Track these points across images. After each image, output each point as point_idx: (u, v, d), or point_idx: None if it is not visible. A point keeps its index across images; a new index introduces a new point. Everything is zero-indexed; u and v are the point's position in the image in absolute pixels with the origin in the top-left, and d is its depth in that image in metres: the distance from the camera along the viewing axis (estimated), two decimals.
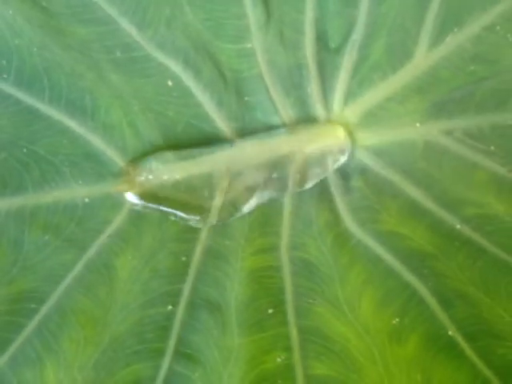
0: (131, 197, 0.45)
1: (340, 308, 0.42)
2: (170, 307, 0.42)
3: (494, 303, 0.41)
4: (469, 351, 0.39)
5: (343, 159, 0.48)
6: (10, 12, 0.44)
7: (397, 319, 0.41)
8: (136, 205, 0.45)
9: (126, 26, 0.47)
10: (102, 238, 0.44)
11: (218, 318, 0.42)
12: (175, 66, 0.47)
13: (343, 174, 0.49)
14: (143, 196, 0.44)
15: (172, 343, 0.41)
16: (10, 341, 0.40)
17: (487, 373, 0.39)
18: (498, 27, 0.48)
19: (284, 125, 0.49)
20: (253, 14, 0.48)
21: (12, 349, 0.40)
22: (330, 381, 0.39)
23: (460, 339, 0.40)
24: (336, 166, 0.48)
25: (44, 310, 0.41)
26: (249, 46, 0.49)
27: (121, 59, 0.47)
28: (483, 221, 0.45)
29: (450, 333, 0.40)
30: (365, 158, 0.49)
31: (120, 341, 0.41)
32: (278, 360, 0.40)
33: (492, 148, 0.47)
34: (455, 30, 0.49)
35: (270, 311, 0.42)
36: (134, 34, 0.47)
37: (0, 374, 0.39)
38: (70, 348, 0.41)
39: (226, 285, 0.43)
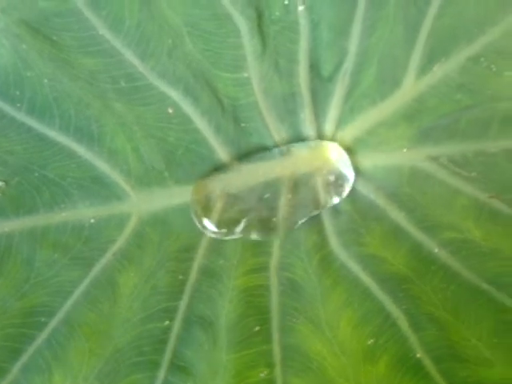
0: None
1: (320, 327, 0.45)
2: (167, 322, 0.46)
3: (462, 327, 0.44)
4: (434, 372, 0.42)
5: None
6: (24, 46, 0.48)
7: (372, 340, 0.44)
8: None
9: (130, 56, 0.50)
10: (107, 257, 0.48)
11: (209, 334, 0.45)
12: (175, 95, 0.50)
13: (332, 196, 0.52)
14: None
15: (168, 356, 0.44)
16: (23, 351, 0.44)
17: None
18: (483, 58, 0.50)
19: (278, 149, 0.52)
20: (249, 45, 0.51)
21: (24, 358, 0.44)
22: None
23: (427, 361, 0.42)
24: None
25: (53, 323, 0.45)
26: (245, 75, 0.51)
27: (125, 88, 0.50)
28: (460, 245, 0.47)
29: (418, 355, 0.43)
30: (354, 182, 0.52)
31: (121, 353, 0.45)
32: (261, 375, 0.43)
33: (474, 174, 0.50)
34: (442, 60, 0.51)
35: (257, 329, 0.45)
36: (137, 65, 0.50)
37: (14, 380, 0.43)
38: (76, 358, 0.44)
39: (218, 302, 0.46)
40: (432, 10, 0.50)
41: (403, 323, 0.44)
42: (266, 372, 0.43)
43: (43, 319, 0.45)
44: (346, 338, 0.44)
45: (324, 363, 0.43)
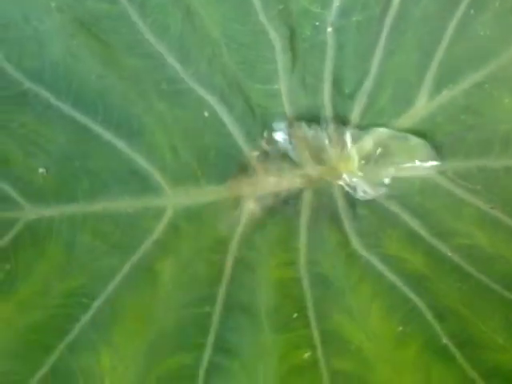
0: None
1: (353, 315, 0.48)
2: (207, 308, 0.47)
3: (477, 320, 0.48)
4: (459, 356, 0.46)
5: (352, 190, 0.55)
6: (75, 43, 0.51)
7: (400, 328, 0.47)
8: None
9: (172, 61, 0.53)
10: (145, 245, 0.49)
11: (250, 319, 0.47)
12: (212, 100, 0.54)
13: (351, 202, 0.56)
14: None
15: (211, 339, 0.46)
16: (68, 330, 0.45)
17: (472, 373, 0.45)
18: (486, 85, 0.57)
19: (301, 157, 0.56)
20: (281, 60, 0.55)
21: (70, 337, 0.44)
22: (350, 374, 0.45)
23: (452, 347, 0.46)
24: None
25: (96, 305, 0.46)
26: (276, 87, 0.56)
27: (166, 91, 0.53)
28: (470, 250, 0.52)
29: (443, 341, 0.47)
30: (370, 190, 0.56)
31: (165, 335, 0.46)
32: (305, 356, 0.45)
33: (478, 187, 0.55)
34: (450, 84, 0.57)
35: (295, 315, 0.47)
36: (179, 70, 0.54)
37: (61, 356, 0.44)
38: (121, 339, 0.45)
39: (256, 291, 0.49)
40: (444, 41, 0.56)
41: (428, 314, 0.47)
42: (309, 353, 0.45)
43: (86, 300, 0.46)
44: (377, 325, 0.47)
45: (361, 346, 0.46)
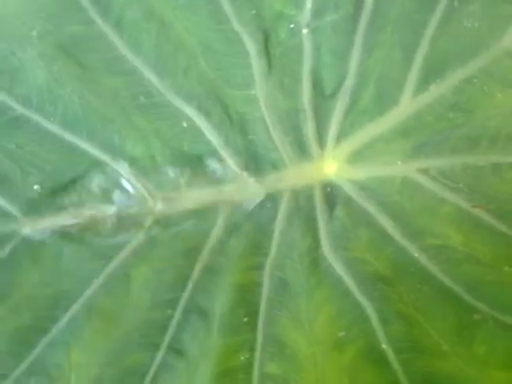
0: None
1: (300, 320, 0.51)
2: (169, 311, 0.52)
3: (428, 324, 0.49)
4: (394, 361, 0.47)
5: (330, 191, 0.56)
6: (56, 68, 0.54)
7: (343, 332, 0.49)
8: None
9: (149, 75, 0.56)
10: (123, 254, 0.54)
11: (204, 322, 0.51)
12: (189, 110, 0.56)
13: (330, 203, 0.56)
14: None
15: (167, 340, 0.51)
16: (48, 330, 0.52)
17: (403, 379, 0.47)
18: (476, 80, 0.53)
19: (282, 160, 0.57)
20: (257, 65, 0.55)
21: (50, 336, 0.51)
22: (276, 377, 0.49)
23: (390, 352, 0.48)
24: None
25: (75, 307, 0.52)
26: (253, 92, 0.56)
27: (144, 104, 0.56)
28: (438, 251, 0.52)
29: (383, 346, 0.48)
30: (350, 191, 0.56)
31: (129, 335, 0.52)
32: (242, 358, 0.49)
33: (461, 185, 0.54)
34: (438, 80, 0.54)
35: (245, 319, 0.51)
36: (155, 83, 0.56)
37: (40, 353, 0.51)
38: (91, 337, 0.51)
39: (215, 296, 0.52)
40: (428, 34, 0.53)
41: (374, 318, 0.49)
42: (247, 356, 0.49)
43: (67, 303, 0.52)
44: (321, 330, 0.49)
45: (296, 351, 0.49)
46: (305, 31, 0.55)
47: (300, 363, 0.48)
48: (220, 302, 0.52)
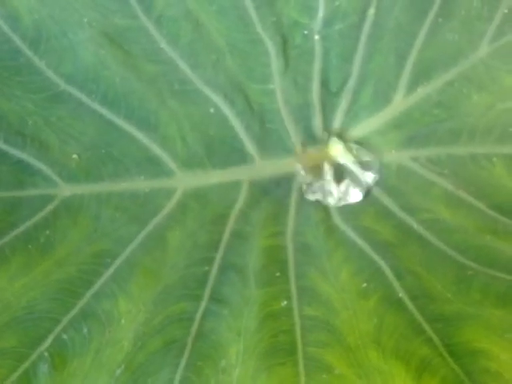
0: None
1: (326, 275, 0.57)
2: (206, 268, 0.57)
3: (432, 278, 0.56)
4: (411, 306, 0.54)
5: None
6: (103, 52, 0.61)
7: (364, 284, 0.56)
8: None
9: (183, 66, 0.64)
10: (158, 218, 0.60)
11: (240, 276, 0.57)
12: (217, 98, 0.64)
13: (336, 181, 0.65)
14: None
15: (208, 291, 0.56)
16: (93, 282, 0.55)
17: (419, 318, 0.54)
18: (456, 83, 0.65)
19: (294, 146, 0.66)
20: (275, 64, 0.65)
21: (95, 287, 0.55)
22: (315, 318, 0.54)
23: (406, 299, 0.55)
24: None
25: (117, 262, 0.57)
26: (271, 86, 0.65)
27: (178, 90, 0.63)
28: (433, 223, 0.60)
29: (400, 295, 0.55)
30: (352, 171, 0.65)
31: (171, 287, 0.56)
32: (282, 304, 0.55)
33: (446, 171, 0.63)
34: (425, 83, 0.65)
35: (277, 274, 0.57)
36: (188, 73, 0.64)
37: (87, 303, 0.54)
38: (136, 289, 0.56)
39: (247, 255, 0.58)
40: (417, 45, 0.64)
41: (389, 273, 0.56)
42: (285, 302, 0.55)
43: (109, 260, 0.56)
44: (345, 283, 0.56)
45: (329, 297, 0.55)
46: (316, 37, 0.65)
47: (333, 306, 0.55)
48: (252, 260, 0.58)
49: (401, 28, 0.64)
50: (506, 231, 0.59)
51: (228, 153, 0.64)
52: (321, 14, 0.64)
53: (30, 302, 0.53)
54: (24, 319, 0.53)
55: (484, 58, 0.64)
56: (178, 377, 0.52)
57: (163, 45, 0.63)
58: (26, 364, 0.51)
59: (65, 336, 0.52)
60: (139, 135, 0.62)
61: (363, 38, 0.64)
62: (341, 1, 0.63)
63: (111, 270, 0.56)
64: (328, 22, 0.64)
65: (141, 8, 0.63)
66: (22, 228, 0.56)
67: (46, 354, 0.51)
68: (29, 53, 0.60)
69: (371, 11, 0.63)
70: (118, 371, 0.52)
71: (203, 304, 0.55)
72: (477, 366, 0.50)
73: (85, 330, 0.53)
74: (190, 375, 0.52)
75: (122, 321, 0.54)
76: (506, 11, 0.64)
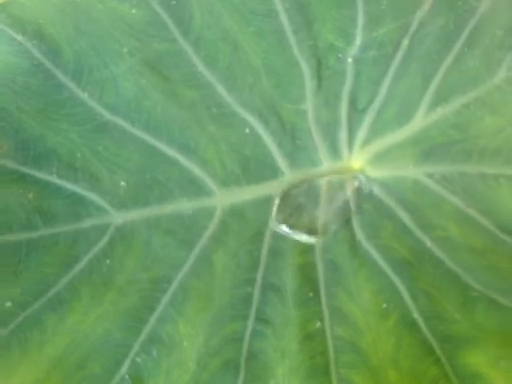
0: None
1: (352, 295, 0.64)
2: (249, 289, 0.63)
3: (442, 299, 0.64)
4: (423, 327, 0.62)
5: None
6: (143, 81, 0.62)
7: (384, 305, 0.63)
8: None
9: (220, 89, 0.65)
10: (203, 240, 0.65)
11: (279, 297, 0.63)
12: (252, 119, 0.66)
13: (359, 197, 0.71)
14: None
15: (253, 311, 0.62)
16: (154, 308, 0.60)
17: (431, 339, 0.62)
18: (472, 106, 0.70)
19: (321, 161, 0.70)
20: (309, 85, 0.67)
21: (157, 312, 0.60)
22: (344, 339, 0.62)
23: (420, 320, 0.63)
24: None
25: (172, 288, 0.61)
26: (303, 107, 0.68)
27: (215, 114, 0.65)
28: (445, 241, 0.67)
29: (414, 315, 0.63)
30: (373, 187, 0.71)
31: (223, 309, 0.62)
32: (316, 326, 0.62)
33: (458, 189, 0.70)
34: (443, 104, 0.70)
35: (311, 295, 0.64)
36: (225, 96, 0.65)
37: (152, 329, 0.60)
38: (192, 312, 0.61)
39: (284, 275, 0.65)
40: (442, 71, 0.68)
41: (406, 294, 0.64)
42: (319, 323, 0.63)
43: (165, 285, 0.62)
44: (368, 303, 0.64)
45: (356, 318, 0.63)
46: (349, 60, 0.67)
47: (359, 327, 0.62)
48: (288, 280, 0.64)
49: (430, 56, 0.67)
50: (504, 250, 0.68)
51: (261, 169, 0.69)
52: (358, 41, 0.65)
53: (105, 332, 0.59)
54: (102, 348, 0.58)
55: (500, 84, 0.69)
56: None
57: (201, 68, 0.64)
58: None
59: (138, 359, 0.59)
60: (181, 159, 0.65)
61: (394, 65, 0.67)
62: (378, 32, 0.64)
63: (168, 295, 0.62)
64: (364, 49, 0.66)
65: (179, 31, 0.63)
66: (84, 260, 0.60)
67: (126, 376, 0.59)
68: (71, 85, 0.60)
69: (405, 42, 0.66)
70: None
71: (250, 324, 0.62)
72: None
73: (154, 353, 0.60)
74: None
75: (184, 343, 0.61)
76: None
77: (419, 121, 0.71)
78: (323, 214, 0.70)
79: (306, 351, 0.62)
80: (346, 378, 0.61)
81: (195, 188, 0.67)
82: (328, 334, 0.63)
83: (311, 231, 0.70)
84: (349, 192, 0.71)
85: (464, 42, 0.66)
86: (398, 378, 0.61)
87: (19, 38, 0.58)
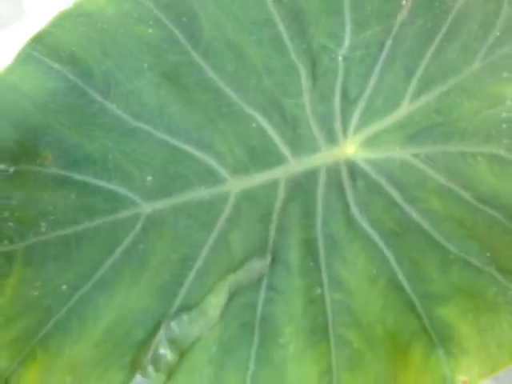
0: None
1: (347, 263, 0.73)
2: (261, 262, 0.76)
3: (423, 262, 0.73)
4: (407, 287, 0.71)
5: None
6: (162, 92, 0.72)
7: (374, 271, 0.73)
8: None
9: (229, 91, 0.75)
10: (220, 222, 0.75)
11: (286, 269, 0.73)
12: (257, 115, 0.76)
13: (352, 176, 0.81)
14: None
15: (265, 282, 0.72)
16: (183, 282, 0.71)
17: (412, 296, 0.71)
18: (452, 93, 0.79)
19: (319, 147, 0.80)
20: (305, 83, 0.77)
21: (186, 286, 0.71)
22: (341, 303, 0.72)
23: (404, 281, 0.72)
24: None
25: (196, 265, 0.72)
26: (301, 101, 0.78)
27: (225, 113, 0.75)
28: (428, 212, 0.76)
29: (399, 278, 0.73)
30: (365, 167, 0.81)
31: (239, 281, 0.72)
32: (317, 292, 0.72)
33: (440, 166, 0.80)
34: (426, 92, 0.79)
35: (312, 264, 0.74)
36: (233, 97, 0.75)
37: (182, 299, 0.70)
38: (213, 284, 0.71)
39: (289, 249, 0.75)
40: (423, 64, 0.77)
41: (393, 260, 0.73)
42: (319, 290, 0.73)
43: (190, 263, 0.73)
44: (361, 271, 0.73)
45: (349, 285, 0.72)
46: (340, 58, 0.76)
47: (353, 293, 0.72)
48: (293, 254, 0.75)
49: (411, 52, 0.76)
50: (482, 218, 0.78)
51: (267, 157, 0.79)
52: (347, 43, 0.74)
53: (144, 307, 0.70)
54: (143, 319, 0.69)
55: (476, 72, 0.78)
56: (253, 351, 0.72)
57: (211, 74, 0.74)
58: (153, 349, 0.70)
59: (173, 325, 0.70)
60: (197, 154, 0.76)
61: (379, 62, 0.76)
62: (365, 34, 0.73)
63: (194, 271, 0.73)
64: (352, 49, 0.75)
65: (190, 44, 0.72)
66: (123, 246, 0.72)
67: (163, 338, 0.70)
68: (101, 100, 0.71)
69: (388, 42, 0.74)
70: (214, 348, 0.72)
71: (263, 293, 0.74)
72: (446, 336, 0.70)
73: (185, 319, 0.71)
74: (261, 351, 0.71)
75: (210, 310, 0.74)
76: (498, 34, 0.76)
77: (404, 108, 0.80)
78: (322, 194, 0.81)
79: (308, 314, 0.73)
80: (342, 335, 0.72)
81: (211, 177, 0.77)
82: (327, 298, 0.74)
83: (312, 211, 0.81)
84: (344, 173, 0.81)
85: (443, 37, 0.75)
86: (384, 332, 0.73)
87: (55, 65, 0.68)
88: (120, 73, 0.71)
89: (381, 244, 0.76)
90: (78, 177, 0.71)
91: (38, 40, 0.68)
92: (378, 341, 0.71)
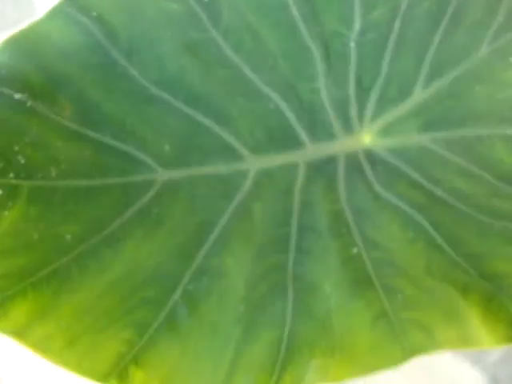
0: None
1: (380, 229, 0.72)
2: (287, 228, 0.71)
3: (459, 230, 0.72)
4: (448, 249, 0.70)
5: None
6: (183, 62, 0.75)
7: (411, 234, 0.71)
8: None
9: (247, 71, 0.78)
10: (241, 193, 0.73)
11: (315, 233, 0.71)
12: (275, 97, 0.78)
13: (372, 161, 0.80)
14: None
15: (292, 246, 0.70)
16: (201, 245, 0.68)
17: (456, 257, 0.70)
18: (463, 77, 0.81)
19: (335, 134, 0.81)
20: (320, 66, 0.80)
21: (204, 249, 0.68)
22: (380, 259, 0.70)
23: (444, 244, 0.71)
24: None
25: (217, 230, 0.70)
26: (317, 85, 0.80)
27: (243, 90, 0.77)
28: (453, 190, 0.76)
29: (439, 241, 0.71)
30: (383, 153, 0.80)
31: (264, 246, 0.70)
32: (354, 251, 0.70)
33: (458, 150, 0.80)
34: (438, 78, 0.82)
35: (343, 230, 0.72)
36: (251, 76, 0.78)
37: (200, 261, 0.67)
38: (235, 248, 0.69)
39: (317, 218, 0.72)
40: (432, 49, 0.81)
41: (428, 226, 0.72)
42: (355, 249, 0.70)
43: (210, 227, 0.70)
44: (396, 234, 0.71)
45: (385, 245, 0.71)
46: (352, 44, 0.80)
47: (391, 251, 0.70)
48: (321, 222, 0.72)
49: (420, 36, 0.80)
50: (506, 194, 0.76)
51: (285, 140, 0.79)
52: (357, 26, 0.79)
53: (157, 264, 0.66)
54: (155, 277, 0.66)
55: (484, 57, 0.81)
56: (289, 307, 0.66)
57: (229, 52, 0.77)
58: (166, 309, 0.64)
59: (190, 287, 0.66)
60: (216, 128, 0.76)
61: (390, 45, 0.80)
62: (373, 15, 0.78)
63: (213, 235, 0.69)
64: (362, 32, 0.80)
65: (210, 23, 0.77)
66: (135, 208, 0.69)
67: (180, 301, 0.65)
68: (124, 63, 0.73)
69: (397, 24, 0.79)
70: (241, 307, 0.66)
71: (291, 255, 0.70)
72: (504, 284, 0.67)
73: (205, 281, 0.66)
74: (298, 306, 0.66)
75: (232, 272, 0.67)
76: (501, 20, 0.81)
77: (418, 95, 0.82)
78: (343, 176, 0.79)
79: (347, 269, 0.69)
80: (389, 284, 0.68)
81: (229, 154, 0.76)
82: (365, 256, 0.70)
83: (335, 189, 0.78)
84: (363, 161, 0.80)
85: (447, 22, 0.79)
86: (435, 283, 0.67)
87: (85, 20, 0.72)
88: (144, 40, 0.74)
89: (413, 212, 0.73)
90: (93, 135, 0.71)
91: None
92: (431, 288, 0.68)
